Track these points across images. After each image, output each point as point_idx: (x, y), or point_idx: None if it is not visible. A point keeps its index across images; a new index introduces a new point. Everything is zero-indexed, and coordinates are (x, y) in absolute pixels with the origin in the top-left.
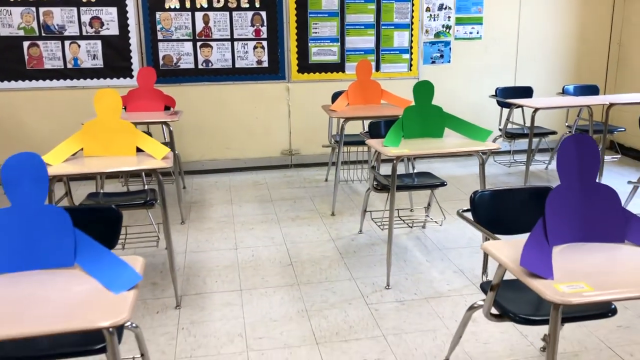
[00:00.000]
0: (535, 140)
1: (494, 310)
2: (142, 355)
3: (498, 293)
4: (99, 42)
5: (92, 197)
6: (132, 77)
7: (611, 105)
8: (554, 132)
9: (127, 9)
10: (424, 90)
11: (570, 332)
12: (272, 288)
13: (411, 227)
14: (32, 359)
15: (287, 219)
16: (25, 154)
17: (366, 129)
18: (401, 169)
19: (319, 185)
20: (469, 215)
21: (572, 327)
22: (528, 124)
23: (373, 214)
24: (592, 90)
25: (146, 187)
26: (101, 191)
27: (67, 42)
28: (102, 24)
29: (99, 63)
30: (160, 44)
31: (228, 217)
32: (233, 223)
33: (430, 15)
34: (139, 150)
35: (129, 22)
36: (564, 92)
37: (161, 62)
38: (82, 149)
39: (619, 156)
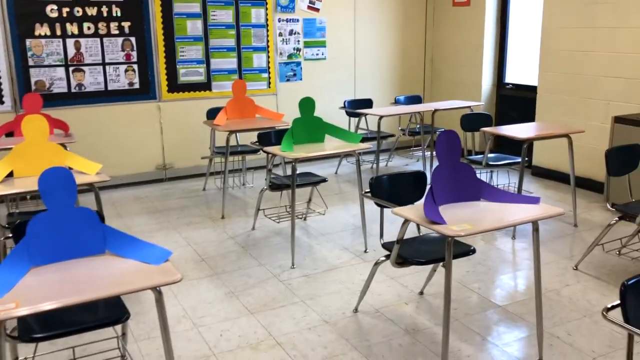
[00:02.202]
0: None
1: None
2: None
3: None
4: None
5: (10, 216)
6: (2, 103)
7: (435, 110)
8: (392, 135)
9: None
10: (307, 105)
11: (438, 278)
12: (195, 280)
13: (301, 218)
14: (66, 334)
15: (181, 224)
16: (56, 169)
17: (240, 140)
18: (280, 171)
19: (199, 194)
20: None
21: (438, 276)
22: (370, 129)
23: (266, 211)
24: (416, 99)
25: None
26: (16, 211)
27: None
28: None
29: None
30: (32, 70)
31: (124, 229)
32: (131, 233)
33: (283, 39)
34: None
35: None
36: (396, 102)
37: (34, 87)
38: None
39: None
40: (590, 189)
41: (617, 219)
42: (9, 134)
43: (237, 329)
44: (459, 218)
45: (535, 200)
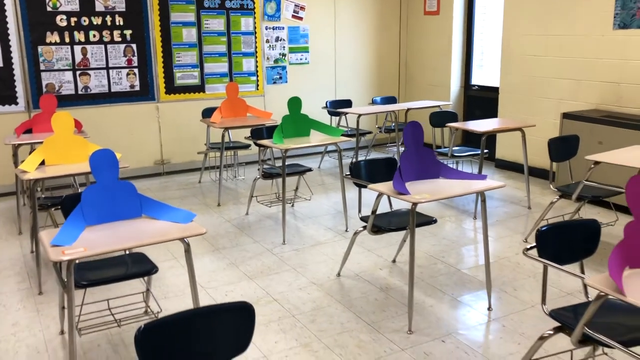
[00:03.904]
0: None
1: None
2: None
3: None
4: None
5: (38, 200)
6: (17, 104)
7: (408, 110)
8: (370, 132)
9: (10, 43)
10: (295, 103)
11: (406, 250)
12: (200, 254)
13: (289, 203)
14: (109, 281)
15: None
16: (103, 150)
17: (232, 137)
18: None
19: (195, 186)
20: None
21: (407, 247)
22: (350, 126)
23: (258, 198)
24: (391, 100)
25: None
26: (42, 195)
27: None
28: None
29: None
30: (43, 74)
31: None
32: None
33: (270, 45)
34: None
35: (12, 55)
36: (373, 102)
37: (44, 89)
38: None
39: None
40: (543, 177)
41: (558, 197)
42: (27, 131)
43: (239, 290)
44: (421, 190)
45: (483, 177)
